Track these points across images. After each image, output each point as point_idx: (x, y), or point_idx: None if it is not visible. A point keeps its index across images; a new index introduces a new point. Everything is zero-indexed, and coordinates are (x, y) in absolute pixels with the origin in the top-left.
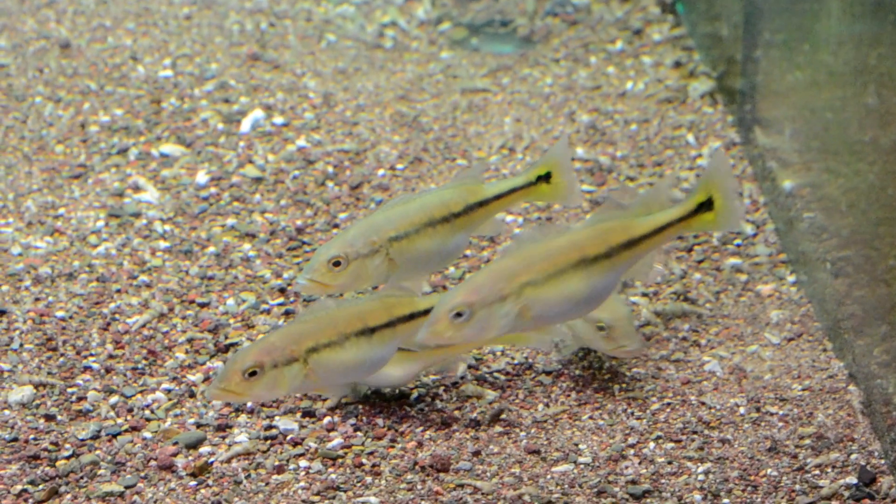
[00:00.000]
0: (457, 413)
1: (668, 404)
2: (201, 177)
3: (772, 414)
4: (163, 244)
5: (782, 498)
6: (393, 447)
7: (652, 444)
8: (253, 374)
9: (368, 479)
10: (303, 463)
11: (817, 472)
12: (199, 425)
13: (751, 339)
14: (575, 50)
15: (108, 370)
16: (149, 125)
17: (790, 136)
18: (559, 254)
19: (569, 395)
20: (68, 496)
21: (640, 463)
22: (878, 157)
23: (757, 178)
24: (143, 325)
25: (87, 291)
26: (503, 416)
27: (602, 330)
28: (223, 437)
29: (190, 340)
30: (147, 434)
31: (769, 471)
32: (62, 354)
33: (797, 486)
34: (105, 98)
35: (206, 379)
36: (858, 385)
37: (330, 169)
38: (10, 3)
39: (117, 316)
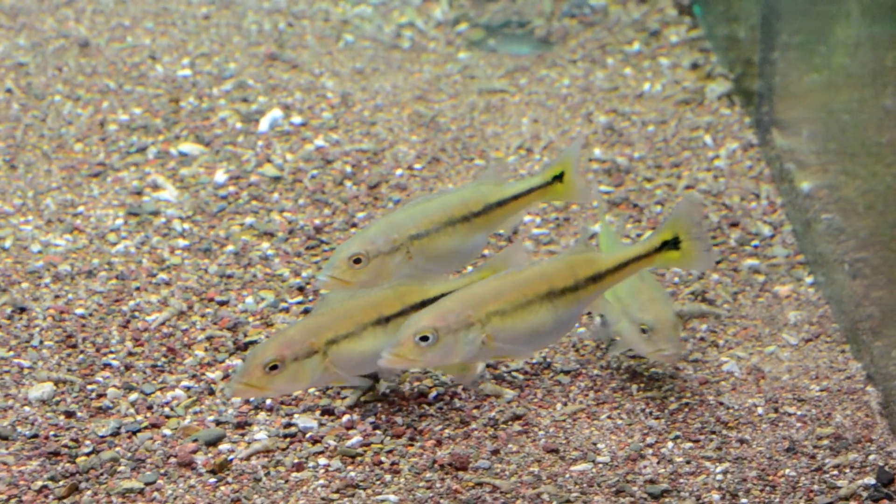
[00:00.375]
0: (475, 412)
1: (687, 404)
2: (220, 176)
3: (790, 414)
4: (182, 242)
5: (800, 498)
6: (412, 445)
7: (670, 444)
8: (274, 367)
9: (387, 477)
10: (322, 461)
11: (835, 472)
12: (218, 423)
13: (769, 340)
14: (592, 51)
15: (127, 367)
16: (167, 124)
17: (808, 137)
18: (527, 284)
19: (587, 395)
20: (88, 492)
21: (658, 462)
22: None
23: (774, 180)
24: (163, 323)
25: (107, 289)
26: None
27: (644, 332)
28: (243, 435)
29: (209, 338)
30: (167, 431)
31: (787, 471)
32: (82, 351)
33: (815, 487)
34: (124, 97)
35: (226, 377)
36: (876, 386)
37: (348, 168)
38: (29, 3)
39: (137, 313)
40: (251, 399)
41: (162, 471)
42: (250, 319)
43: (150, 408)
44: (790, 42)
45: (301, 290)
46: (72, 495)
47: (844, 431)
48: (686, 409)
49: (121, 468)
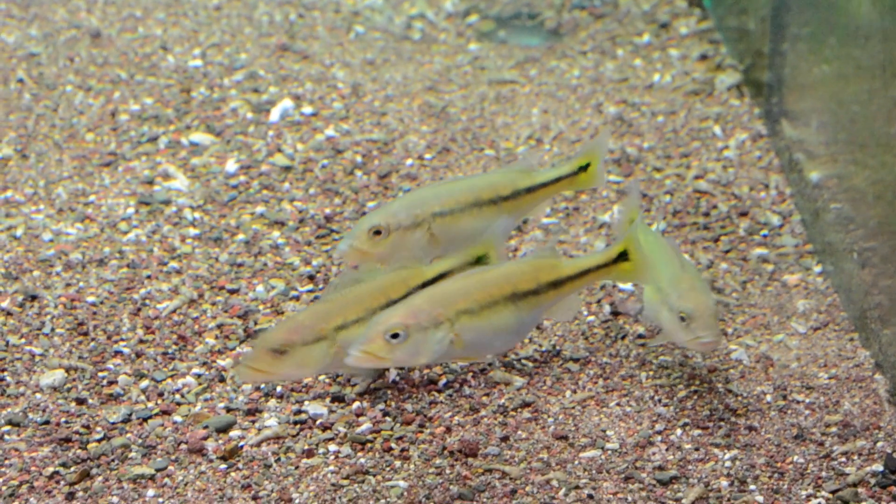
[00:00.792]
0: (485, 399)
1: (696, 392)
2: (231, 165)
3: (798, 402)
4: (192, 231)
5: (809, 485)
6: (421, 432)
7: (679, 431)
8: (282, 352)
9: (397, 463)
10: (332, 447)
11: (843, 459)
12: (229, 409)
13: (777, 329)
14: (602, 43)
15: (138, 355)
16: (178, 114)
17: (817, 128)
18: (493, 285)
19: (596, 382)
20: (100, 478)
21: (667, 449)
22: None
23: (783, 170)
24: (174, 311)
25: (118, 277)
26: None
27: (683, 320)
28: (253, 422)
29: (220, 326)
30: (177, 418)
31: (796, 458)
32: (93, 339)
33: (823, 473)
34: (135, 87)
35: (236, 364)
36: (885, 374)
37: (358, 158)
38: None
39: (147, 301)
40: (261, 385)
41: (173, 457)
42: (261, 308)
43: (160, 395)
44: (800, 34)
45: (311, 278)
46: (83, 481)
47: (852, 419)
48: (695, 397)
49: (132, 454)
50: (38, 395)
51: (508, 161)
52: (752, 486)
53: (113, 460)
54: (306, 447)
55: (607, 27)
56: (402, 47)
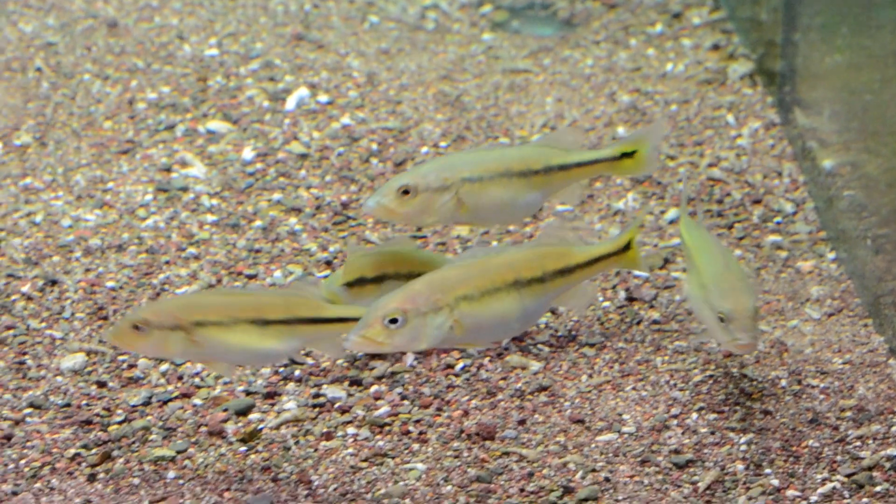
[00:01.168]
0: (502, 383)
1: (711, 376)
2: (247, 153)
3: (813, 387)
4: (210, 218)
5: (824, 468)
6: (439, 415)
7: (695, 415)
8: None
9: (415, 446)
10: (351, 430)
11: (858, 443)
12: (248, 393)
13: (791, 314)
14: (615, 32)
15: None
16: (195, 102)
17: (829, 116)
18: (496, 272)
19: (612, 367)
20: (121, 460)
21: (683, 433)
22: None
23: (797, 158)
24: None
25: (137, 263)
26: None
27: (722, 321)
28: (272, 405)
29: None
30: (197, 401)
31: (811, 442)
32: (113, 323)
33: (838, 457)
34: (152, 76)
35: None
36: None
37: (374, 146)
38: None
39: (166, 286)
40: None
41: (193, 439)
42: None
43: (180, 378)
44: (812, 24)
45: (328, 264)
46: (104, 462)
47: (867, 403)
48: (710, 382)
49: (152, 437)
50: (59, 379)
51: (548, 135)
52: (768, 470)
53: (134, 442)
54: (325, 430)
55: (620, 17)
56: (416, 37)
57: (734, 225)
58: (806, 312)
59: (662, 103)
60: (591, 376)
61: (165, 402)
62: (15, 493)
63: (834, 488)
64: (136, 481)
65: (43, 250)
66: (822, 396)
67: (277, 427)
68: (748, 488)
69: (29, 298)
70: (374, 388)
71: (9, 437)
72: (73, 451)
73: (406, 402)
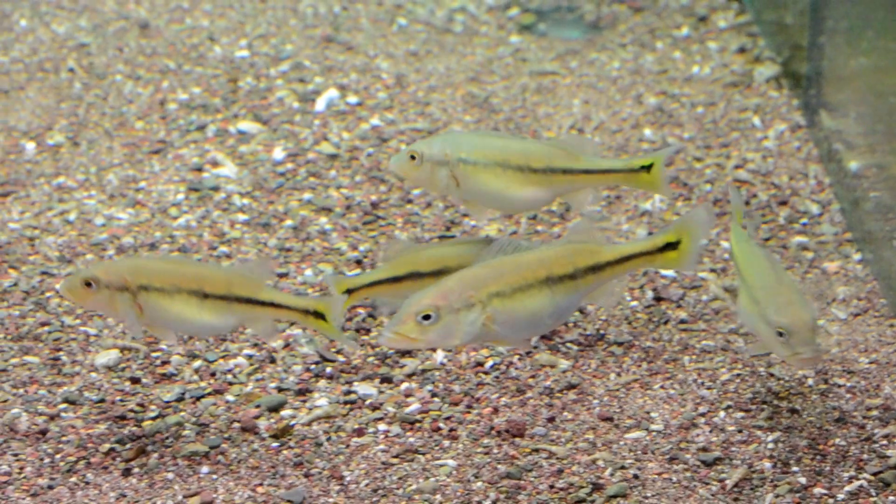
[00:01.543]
0: (531, 381)
1: (738, 375)
2: (278, 153)
3: (839, 386)
4: (241, 217)
5: (850, 467)
6: (469, 412)
7: (722, 413)
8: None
9: (446, 442)
10: (382, 426)
11: (885, 442)
12: (280, 389)
13: (818, 315)
14: (641, 35)
15: (190, 336)
16: (226, 103)
17: (855, 118)
18: (527, 268)
19: (640, 366)
20: (155, 455)
21: (710, 431)
22: None
23: (822, 160)
24: None
25: None
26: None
27: (781, 336)
28: (304, 401)
29: None
30: (230, 397)
31: (837, 440)
32: (69, 275)
33: (865, 456)
34: (183, 77)
35: (287, 346)
36: None
37: (403, 147)
38: None
39: None
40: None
41: (226, 435)
42: (309, 291)
43: (213, 375)
44: (837, 27)
45: (359, 263)
46: (139, 457)
47: (893, 402)
48: (737, 380)
49: (186, 432)
50: (94, 375)
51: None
52: (795, 468)
53: (168, 438)
54: (356, 426)
55: (646, 20)
56: (444, 39)
57: (760, 226)
58: (832, 313)
59: (689, 105)
60: (619, 374)
61: (198, 399)
62: (51, 487)
63: (860, 486)
64: (169, 476)
65: (76, 248)
66: (848, 395)
67: (309, 423)
68: (775, 486)
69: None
70: (404, 386)
71: (44, 432)
72: (107, 445)
73: (436, 399)
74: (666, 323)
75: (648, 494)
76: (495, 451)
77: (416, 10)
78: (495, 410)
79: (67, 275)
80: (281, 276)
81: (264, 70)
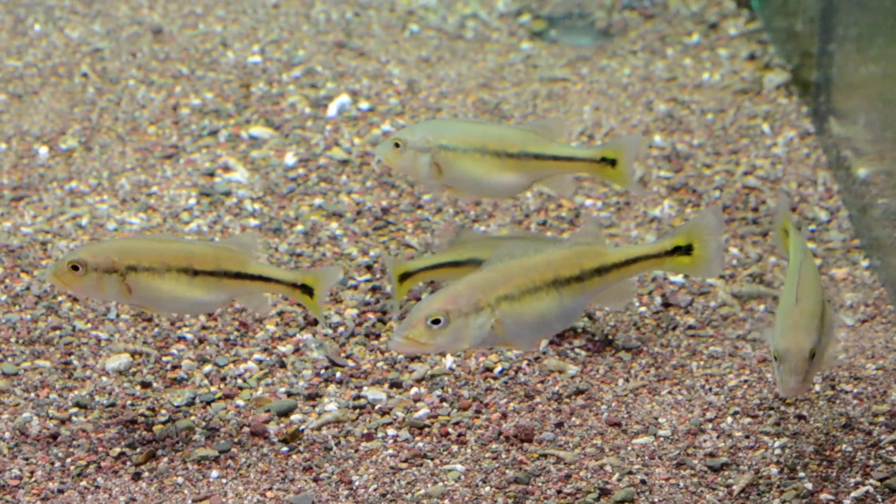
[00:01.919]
0: (539, 386)
1: (745, 381)
2: (289, 158)
3: (846, 392)
4: (253, 222)
5: (857, 472)
6: (478, 418)
7: (729, 419)
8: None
9: (454, 447)
10: (391, 431)
11: (891, 448)
12: (290, 394)
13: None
14: (652, 42)
15: (201, 340)
16: (238, 108)
17: (864, 126)
18: (535, 271)
19: (648, 371)
20: (165, 459)
21: (717, 437)
22: None
23: (831, 167)
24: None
25: None
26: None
27: (776, 360)
28: (313, 406)
29: (280, 313)
30: (240, 402)
31: (844, 446)
32: (157, 325)
33: (871, 462)
34: (196, 82)
35: (297, 350)
36: None
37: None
38: None
39: None
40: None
41: (236, 439)
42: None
43: (223, 379)
44: (847, 34)
45: (369, 268)
46: (149, 461)
47: None
48: (745, 386)
49: (196, 437)
50: (105, 379)
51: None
52: (802, 474)
53: (178, 442)
54: (365, 431)
55: (657, 27)
56: (455, 46)
57: (769, 232)
58: (840, 319)
59: (699, 112)
60: (627, 380)
61: (209, 403)
62: (61, 491)
63: (867, 492)
64: (179, 480)
65: None
66: (855, 402)
67: (319, 428)
68: (782, 492)
69: (75, 300)
70: (413, 391)
71: (55, 436)
72: (118, 450)
73: (445, 404)
74: (674, 329)
75: (656, 500)
76: (503, 456)
77: (428, 17)
78: (504, 416)
79: (54, 261)
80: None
81: (276, 76)
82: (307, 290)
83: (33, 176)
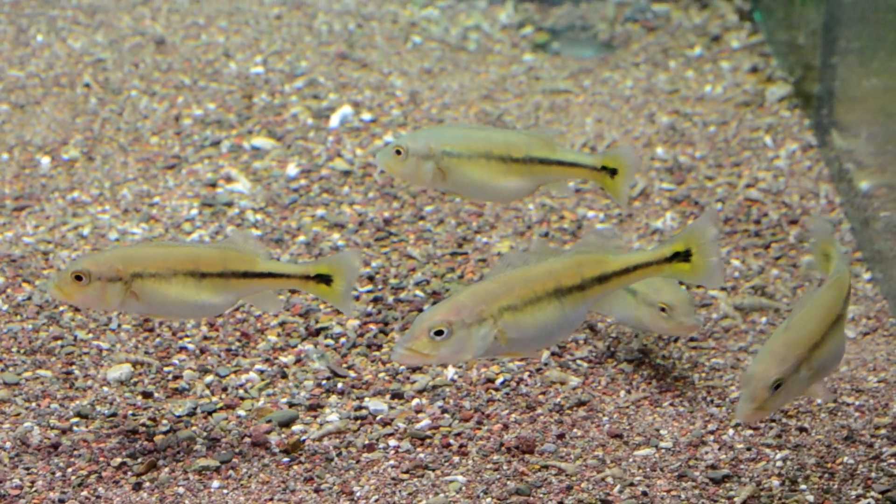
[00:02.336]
0: (541, 398)
1: None
2: (291, 169)
3: (848, 404)
4: (255, 232)
5: (859, 485)
6: (479, 429)
7: (731, 431)
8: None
9: (456, 458)
10: (392, 442)
11: (893, 460)
12: (291, 405)
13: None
14: (654, 55)
15: (202, 351)
16: (240, 119)
17: (866, 138)
18: (536, 281)
19: (650, 383)
20: (166, 469)
21: (719, 449)
22: None
23: (833, 180)
24: (237, 309)
25: None
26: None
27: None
28: (315, 417)
29: (282, 324)
30: (241, 412)
31: (846, 459)
32: (158, 335)
33: (873, 474)
34: (198, 93)
35: (298, 361)
36: None
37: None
38: (107, 1)
39: None
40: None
41: (237, 450)
42: (321, 307)
43: (224, 389)
44: (849, 47)
45: (371, 279)
46: (150, 472)
47: None
48: None
49: (197, 447)
50: (106, 389)
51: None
52: (803, 486)
53: (179, 452)
54: (367, 442)
55: (659, 40)
56: (458, 57)
57: (771, 245)
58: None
59: (701, 124)
60: (629, 392)
61: (210, 413)
62: (62, 501)
63: None
64: (180, 490)
65: None
66: (857, 414)
67: (320, 438)
68: None
69: (76, 310)
70: (415, 402)
71: (56, 446)
72: (119, 460)
73: (447, 415)
74: (676, 341)
75: None
76: (505, 467)
77: (431, 28)
78: (505, 427)
79: (55, 272)
80: (293, 291)
81: (279, 86)
82: (323, 279)
83: (35, 186)
